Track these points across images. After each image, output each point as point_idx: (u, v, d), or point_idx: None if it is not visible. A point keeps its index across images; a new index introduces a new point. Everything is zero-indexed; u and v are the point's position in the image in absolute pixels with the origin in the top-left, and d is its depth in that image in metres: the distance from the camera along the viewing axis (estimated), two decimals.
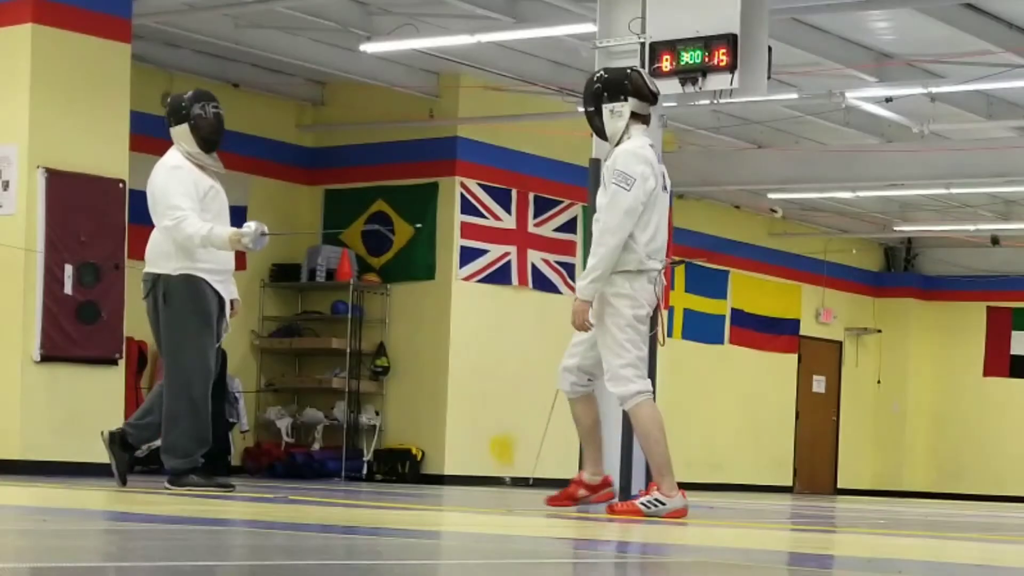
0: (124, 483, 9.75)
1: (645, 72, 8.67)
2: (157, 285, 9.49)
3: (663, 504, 8.27)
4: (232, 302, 9.73)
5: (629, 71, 8.47)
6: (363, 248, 17.44)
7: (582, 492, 8.50)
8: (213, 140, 9.59)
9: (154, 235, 9.59)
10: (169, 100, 9.78)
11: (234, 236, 9.31)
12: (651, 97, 8.38)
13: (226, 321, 9.66)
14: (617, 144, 8.29)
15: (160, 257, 9.50)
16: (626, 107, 8.29)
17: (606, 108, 8.32)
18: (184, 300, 9.41)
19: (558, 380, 8.41)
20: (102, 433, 9.71)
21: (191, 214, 9.31)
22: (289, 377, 17.54)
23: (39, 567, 3.96)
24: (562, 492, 8.59)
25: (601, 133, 8.43)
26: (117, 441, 9.68)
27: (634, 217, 8.11)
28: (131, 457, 9.90)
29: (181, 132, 9.54)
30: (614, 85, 8.33)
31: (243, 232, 9.33)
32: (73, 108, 12.78)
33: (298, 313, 17.67)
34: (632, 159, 8.17)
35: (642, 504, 8.29)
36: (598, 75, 8.49)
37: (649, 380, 8.38)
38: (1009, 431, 25.02)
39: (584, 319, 8.11)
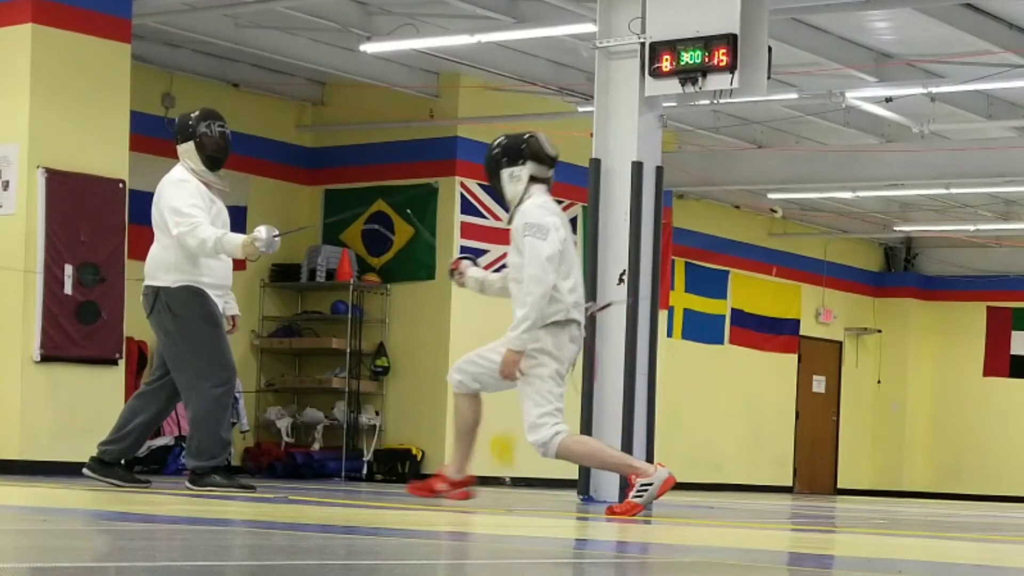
0: (146, 483, 9.96)
1: (543, 137, 8.90)
2: (159, 298, 9.59)
3: (651, 484, 8.45)
4: (233, 318, 9.85)
5: (527, 136, 8.78)
6: (363, 248, 17.44)
7: (442, 486, 8.84)
8: (218, 158, 9.75)
9: (154, 249, 9.71)
10: (177, 118, 9.94)
11: (247, 241, 9.38)
12: (549, 160, 8.71)
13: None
14: (518, 205, 8.59)
15: (159, 270, 9.61)
16: (524, 170, 8.61)
17: (505, 172, 8.65)
18: (191, 307, 9.52)
19: (451, 371, 8.86)
20: (84, 472, 9.82)
21: (203, 221, 9.42)
22: (289, 377, 17.54)
23: (39, 567, 3.96)
24: (424, 482, 9.01)
25: (503, 197, 8.73)
26: (97, 467, 9.81)
27: (555, 264, 8.40)
28: (123, 467, 9.98)
29: (187, 149, 9.69)
30: (512, 150, 8.66)
31: (255, 237, 9.38)
32: (73, 108, 12.78)
33: (298, 313, 17.67)
34: (540, 211, 8.49)
35: (635, 497, 8.46)
36: (497, 141, 8.80)
37: (562, 419, 8.63)
38: (1009, 431, 25.02)
39: (515, 370, 8.43)
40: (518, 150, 8.62)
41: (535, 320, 8.32)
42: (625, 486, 10.85)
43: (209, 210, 9.58)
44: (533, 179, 8.58)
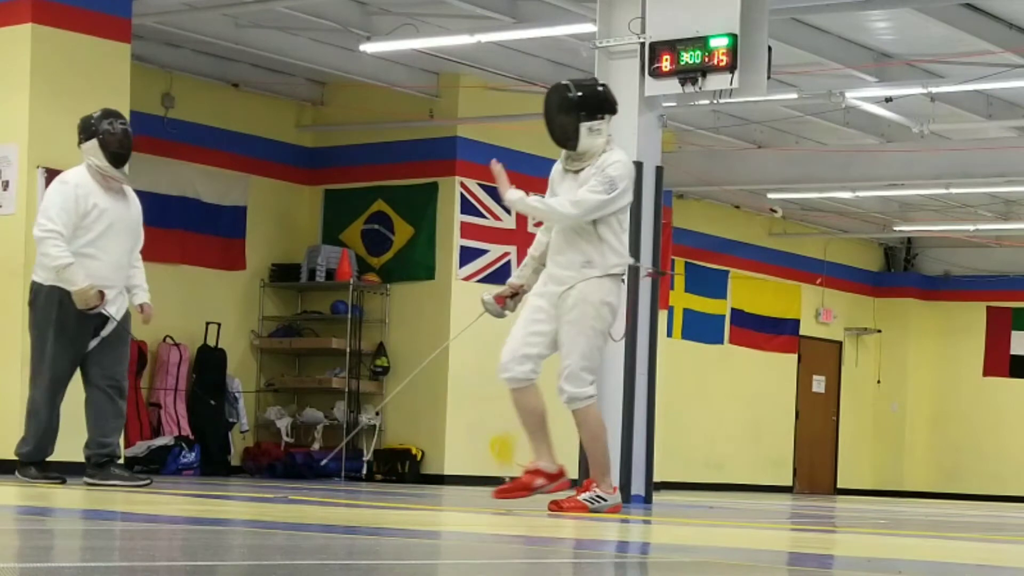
0: (148, 482, 10.17)
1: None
2: (31, 291, 10.03)
3: (604, 500, 8.46)
4: (142, 306, 10.13)
5: (602, 87, 8.57)
6: (363, 248, 17.44)
7: (540, 481, 8.41)
8: (120, 154, 10.03)
9: None
10: (80, 120, 10.21)
11: (86, 290, 9.69)
12: (615, 110, 8.53)
13: (112, 329, 9.97)
14: (592, 156, 8.38)
15: (39, 265, 10.03)
16: (606, 125, 8.41)
17: (585, 125, 8.34)
18: (46, 310, 9.91)
19: (511, 367, 8.30)
20: (86, 482, 10.07)
21: (59, 236, 9.74)
22: (289, 377, 17.54)
23: (39, 567, 3.96)
24: (515, 482, 8.48)
25: (565, 141, 8.43)
26: (96, 472, 10.05)
27: (593, 216, 8.25)
28: (119, 465, 10.13)
29: (90, 147, 10.02)
30: (595, 103, 8.39)
31: (95, 296, 9.71)
32: (73, 108, 12.72)
33: (298, 313, 17.67)
34: (624, 168, 8.34)
35: (586, 500, 8.44)
36: (577, 90, 8.44)
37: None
38: (1009, 431, 25.02)
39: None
40: (602, 102, 8.40)
41: (533, 210, 8.43)
42: (626, 484, 10.89)
43: (82, 216, 9.82)
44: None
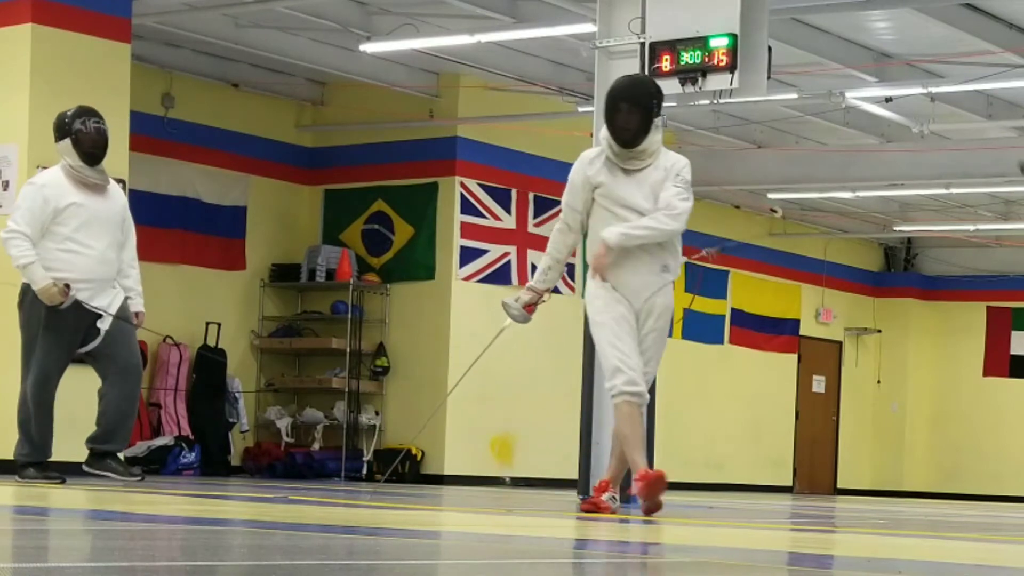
0: (141, 476, 10.31)
1: None
2: (20, 292, 10.02)
3: (617, 500, 8.48)
4: (136, 314, 10.11)
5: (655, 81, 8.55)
6: (363, 248, 17.44)
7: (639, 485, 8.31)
8: (94, 154, 9.97)
9: None
10: (55, 118, 10.14)
11: (48, 288, 9.70)
12: None
13: (112, 322, 9.95)
14: (652, 153, 8.28)
15: None
16: (660, 121, 8.37)
17: (655, 121, 8.25)
18: (32, 307, 9.88)
19: (641, 382, 8.08)
20: (83, 469, 10.16)
21: (22, 237, 9.77)
22: (289, 377, 17.54)
23: (38, 567, 3.96)
24: (653, 481, 8.14)
25: (635, 137, 8.20)
26: (93, 461, 10.14)
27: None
28: (116, 458, 10.17)
29: (64, 147, 9.96)
30: (661, 98, 8.31)
31: (51, 295, 9.70)
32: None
33: (298, 313, 17.68)
34: (689, 172, 8.36)
35: (608, 499, 8.39)
36: (653, 85, 8.40)
37: None
38: (1008, 431, 25.03)
39: (606, 264, 8.07)
40: (662, 99, 8.29)
41: (640, 238, 8.12)
42: (626, 485, 10.89)
43: (54, 215, 9.83)
44: None
